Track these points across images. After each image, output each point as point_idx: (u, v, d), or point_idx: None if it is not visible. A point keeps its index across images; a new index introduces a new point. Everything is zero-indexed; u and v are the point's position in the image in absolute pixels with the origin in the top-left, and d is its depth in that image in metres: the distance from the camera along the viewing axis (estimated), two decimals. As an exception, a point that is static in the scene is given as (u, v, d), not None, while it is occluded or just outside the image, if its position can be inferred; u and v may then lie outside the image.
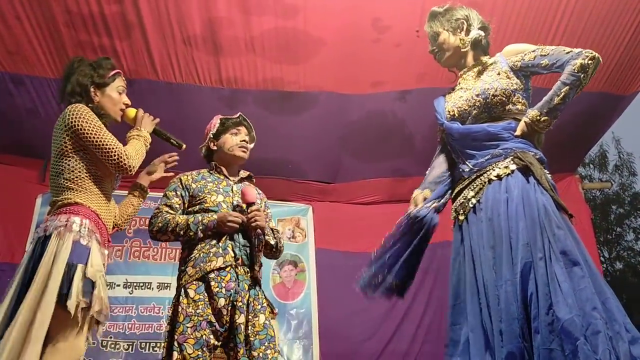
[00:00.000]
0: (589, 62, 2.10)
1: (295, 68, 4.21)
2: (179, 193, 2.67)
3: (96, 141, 2.23)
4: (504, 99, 2.21)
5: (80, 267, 2.08)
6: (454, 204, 2.32)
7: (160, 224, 2.56)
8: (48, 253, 2.06)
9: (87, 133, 2.22)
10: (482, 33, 2.41)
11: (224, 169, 2.78)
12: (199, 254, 2.50)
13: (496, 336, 1.86)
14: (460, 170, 2.30)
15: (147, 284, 4.74)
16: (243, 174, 2.86)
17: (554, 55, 2.19)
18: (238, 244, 2.54)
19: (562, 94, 2.09)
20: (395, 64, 4.21)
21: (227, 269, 2.48)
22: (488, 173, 2.15)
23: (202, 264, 2.47)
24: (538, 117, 2.11)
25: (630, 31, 4.01)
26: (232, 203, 2.65)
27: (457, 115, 2.34)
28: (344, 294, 4.99)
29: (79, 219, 2.17)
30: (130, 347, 4.48)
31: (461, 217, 2.23)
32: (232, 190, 2.70)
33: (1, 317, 1.97)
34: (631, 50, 4.15)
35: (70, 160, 2.25)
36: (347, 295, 4.97)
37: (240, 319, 2.43)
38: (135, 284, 4.69)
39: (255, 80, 4.25)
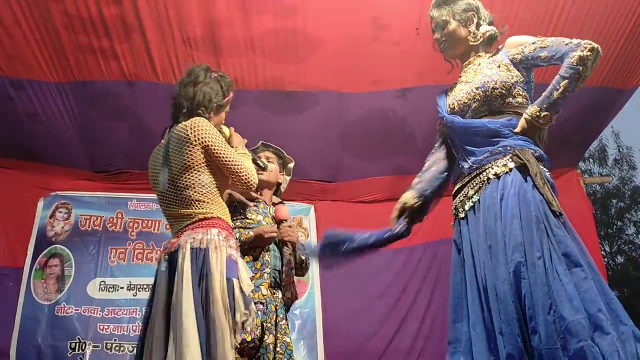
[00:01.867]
0: (588, 53, 2.03)
1: (295, 67, 4.21)
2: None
3: (228, 160, 2.30)
4: (503, 91, 2.17)
5: (235, 282, 2.15)
6: (454, 200, 2.29)
7: None
8: (215, 269, 2.12)
9: (219, 151, 2.29)
10: (494, 29, 2.36)
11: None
12: None
13: (498, 336, 1.85)
14: (460, 166, 2.28)
15: (150, 286, 4.73)
16: (275, 199, 3.14)
17: (553, 47, 2.13)
18: (270, 265, 2.77)
19: (562, 88, 2.04)
20: (395, 62, 4.21)
21: (257, 296, 2.64)
22: (487, 171, 2.11)
23: None
24: (538, 113, 2.06)
25: (630, 25, 4.01)
26: (270, 223, 2.88)
27: (457, 108, 2.31)
28: (347, 293, 5.04)
29: (227, 233, 2.26)
30: (135, 349, 4.48)
31: (461, 215, 2.20)
32: (269, 211, 2.97)
33: (191, 329, 1.99)
34: (631, 44, 4.15)
35: (200, 175, 2.29)
36: (350, 294, 5.04)
37: (270, 339, 2.61)
38: (139, 286, 4.69)
39: (255, 81, 4.25)
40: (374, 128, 4.74)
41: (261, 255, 2.77)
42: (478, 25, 2.36)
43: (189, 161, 2.27)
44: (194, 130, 2.28)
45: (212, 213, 2.27)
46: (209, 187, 2.30)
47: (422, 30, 3.94)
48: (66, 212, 4.87)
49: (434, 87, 4.38)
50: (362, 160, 5.05)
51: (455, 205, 2.27)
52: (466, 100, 2.27)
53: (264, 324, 2.62)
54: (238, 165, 2.31)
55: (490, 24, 2.39)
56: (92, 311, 4.54)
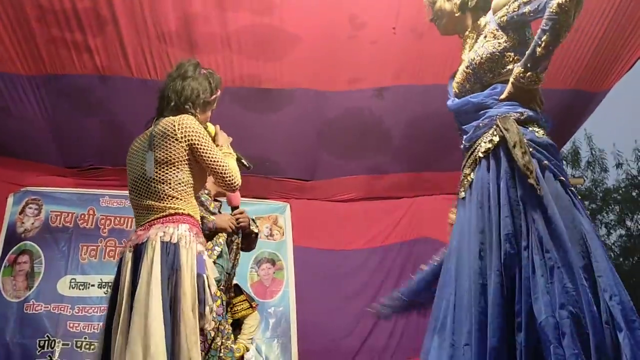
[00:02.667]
0: None
1: (271, 65, 4.19)
2: None
3: (213, 160, 2.28)
4: (491, 64, 2.08)
5: (205, 277, 2.15)
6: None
7: None
8: (185, 264, 2.11)
9: (205, 150, 2.27)
10: None
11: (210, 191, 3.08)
12: None
13: (474, 325, 1.80)
14: (461, 147, 2.21)
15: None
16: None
17: (534, 1, 1.98)
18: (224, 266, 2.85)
19: (543, 42, 1.90)
20: (371, 61, 4.21)
21: (218, 294, 2.67)
22: (477, 149, 2.04)
23: None
24: (522, 74, 1.95)
25: (603, 28, 4.07)
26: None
27: (457, 91, 2.25)
28: (322, 292, 5.03)
29: (197, 229, 2.26)
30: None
31: (461, 194, 2.12)
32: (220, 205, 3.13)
33: (157, 323, 1.97)
34: (603, 47, 4.21)
35: (179, 172, 2.27)
36: (325, 293, 5.04)
37: (219, 341, 2.66)
38: (110, 284, 4.60)
39: (231, 77, 4.20)
40: (351, 127, 4.75)
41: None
42: None
43: (171, 157, 2.25)
44: (182, 127, 2.26)
45: (183, 209, 2.25)
46: (185, 185, 2.28)
47: (399, 30, 3.98)
48: (36, 208, 4.78)
49: (411, 87, 4.45)
50: (338, 159, 5.05)
51: (459, 188, 2.20)
52: (461, 82, 2.22)
53: (219, 326, 2.63)
54: (223, 165, 2.30)
55: None
56: (62, 309, 4.46)
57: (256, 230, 3.14)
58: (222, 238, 2.89)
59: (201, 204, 2.80)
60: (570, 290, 1.70)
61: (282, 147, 4.84)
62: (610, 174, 15.00)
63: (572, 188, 1.88)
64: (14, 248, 4.62)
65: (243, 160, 2.76)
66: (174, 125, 2.27)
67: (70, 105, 4.37)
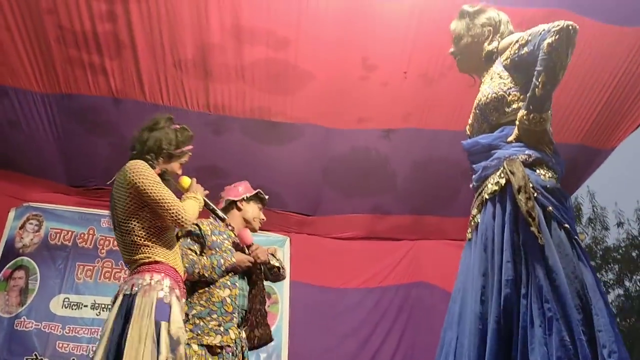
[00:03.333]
0: (555, 37, 1.89)
1: (283, 99, 4.24)
2: (198, 240, 2.90)
3: (155, 196, 2.28)
4: (496, 103, 2.09)
5: (164, 324, 2.15)
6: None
7: (186, 265, 2.69)
8: (137, 310, 2.14)
9: (147, 188, 2.27)
10: (497, 45, 2.24)
11: (234, 228, 3.07)
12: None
13: None
14: (471, 187, 2.21)
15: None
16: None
17: (531, 41, 2.00)
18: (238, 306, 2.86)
19: (540, 83, 1.91)
20: (381, 103, 4.27)
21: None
22: (484, 190, 2.03)
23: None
24: (526, 116, 1.95)
25: (611, 88, 4.13)
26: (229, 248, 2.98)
27: (469, 132, 2.29)
28: (316, 329, 4.97)
29: (160, 276, 2.26)
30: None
31: (469, 235, 2.12)
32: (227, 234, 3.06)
33: None
34: (610, 105, 4.26)
35: (138, 220, 2.30)
36: (319, 331, 4.97)
37: None
38: (103, 306, 4.57)
39: (242, 108, 4.26)
40: (356, 165, 4.77)
41: (232, 299, 2.81)
42: (491, 41, 2.26)
43: (127, 205, 2.30)
44: (128, 172, 2.31)
45: (151, 257, 2.29)
46: (148, 229, 2.31)
47: (410, 74, 4.05)
48: (37, 224, 4.77)
49: (418, 130, 4.50)
50: (342, 196, 5.06)
51: (468, 229, 2.19)
52: (471, 122, 2.25)
53: None
54: (167, 202, 2.29)
55: (487, 40, 2.29)
56: (53, 328, 4.41)
57: (277, 264, 3.13)
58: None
59: (218, 245, 2.90)
60: (568, 344, 1.66)
61: (286, 180, 4.86)
62: (611, 232, 14.92)
63: (577, 237, 1.85)
64: (11, 263, 4.59)
65: (217, 213, 2.82)
66: (124, 172, 2.33)
67: (81, 125, 4.41)
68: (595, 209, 14.94)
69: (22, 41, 3.85)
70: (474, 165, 2.15)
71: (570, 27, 1.89)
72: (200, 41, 3.83)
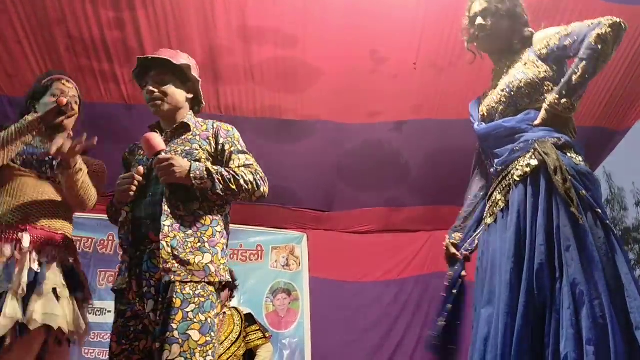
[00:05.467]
0: (607, 30, 1.88)
1: (293, 97, 4.25)
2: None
3: None
4: (529, 90, 2.06)
5: None
6: (486, 207, 2.19)
7: None
8: None
9: None
10: (532, 30, 2.21)
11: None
12: None
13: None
14: (491, 172, 2.19)
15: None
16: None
17: (575, 31, 1.98)
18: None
19: (580, 71, 1.89)
20: (391, 95, 4.26)
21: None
22: (512, 173, 1.99)
23: None
24: (557, 101, 1.93)
25: (623, 67, 4.09)
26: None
27: (486, 114, 2.22)
28: (338, 324, 4.99)
29: None
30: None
31: (488, 221, 2.10)
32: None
33: None
34: (624, 86, 4.22)
35: None
36: (341, 325, 4.99)
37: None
38: (126, 310, 4.62)
39: (253, 108, 4.28)
40: (370, 159, 4.77)
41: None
42: (524, 25, 2.21)
43: None
44: None
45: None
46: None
47: (419, 65, 4.03)
48: (56, 233, 4.83)
49: (430, 121, 4.48)
50: (356, 191, 5.06)
51: (485, 215, 2.18)
52: (493, 104, 2.19)
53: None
54: None
55: (524, 24, 2.24)
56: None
57: (218, 189, 2.11)
58: None
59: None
60: (599, 325, 1.65)
61: (300, 177, 4.88)
62: (630, 212, 14.76)
63: (609, 221, 1.84)
64: (34, 272, 4.65)
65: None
66: None
67: (95, 133, 4.42)
68: (612, 190, 14.82)
69: (33, 52, 3.89)
70: (496, 150, 2.11)
71: (623, 24, 1.91)
72: (208, 44, 3.85)
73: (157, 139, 2.14)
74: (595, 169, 5.50)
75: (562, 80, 1.95)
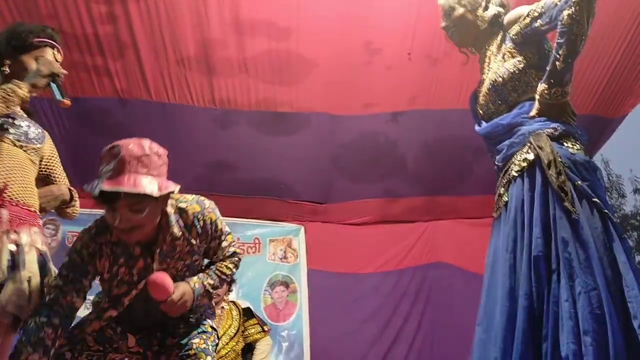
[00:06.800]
0: (576, 8, 1.83)
1: (287, 89, 4.24)
2: None
3: None
4: (514, 83, 2.06)
5: None
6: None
7: None
8: None
9: None
10: (502, 10, 2.19)
11: None
12: None
13: (500, 351, 1.78)
14: (495, 168, 2.18)
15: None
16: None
17: (546, 13, 1.96)
18: None
19: (561, 56, 1.88)
20: (387, 86, 4.25)
21: None
22: (511, 168, 2.00)
23: None
24: (547, 90, 1.92)
25: (618, 55, 4.07)
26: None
27: (482, 113, 2.23)
28: (336, 315, 5.00)
29: None
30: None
31: (495, 215, 2.10)
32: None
33: None
34: (620, 73, 4.21)
35: None
36: (339, 317, 5.00)
37: None
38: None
39: (247, 101, 4.26)
40: (366, 151, 4.76)
41: None
42: (486, 8, 2.20)
43: None
44: None
45: None
46: None
47: (414, 55, 4.02)
48: (54, 229, 4.82)
49: (425, 111, 4.47)
50: (353, 183, 5.05)
51: (494, 208, 2.17)
52: (485, 103, 2.20)
53: None
54: None
55: (501, 5, 2.21)
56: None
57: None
58: None
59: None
60: (597, 316, 1.66)
61: (296, 170, 4.87)
62: (628, 199, 14.81)
63: (608, 210, 1.83)
64: (31, 268, 4.64)
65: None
66: None
67: (90, 128, 4.43)
68: (610, 178, 14.83)
69: (26, 48, 3.86)
70: (497, 147, 2.11)
71: None
72: (201, 37, 3.83)
73: (169, 282, 1.99)
74: (592, 157, 5.48)
75: (547, 69, 1.93)
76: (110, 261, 2.02)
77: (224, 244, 2.23)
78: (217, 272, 2.20)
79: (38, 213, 2.22)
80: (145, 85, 4.10)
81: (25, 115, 2.29)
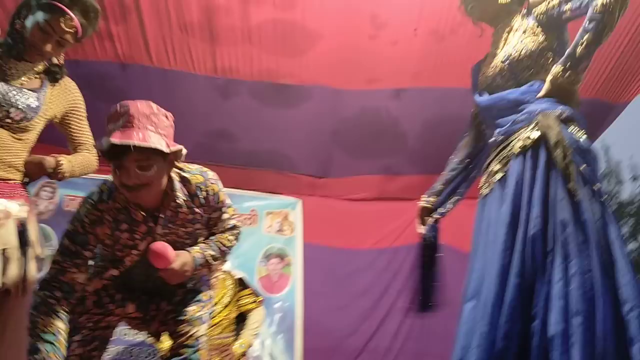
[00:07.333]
0: None
1: (291, 61, 4.19)
2: None
3: None
4: (530, 62, 2.03)
5: None
6: (482, 177, 2.19)
7: None
8: None
9: None
10: None
11: None
12: None
13: (487, 326, 1.79)
14: (490, 142, 2.16)
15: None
16: None
17: None
18: None
19: (585, 42, 1.85)
20: (391, 62, 4.20)
21: None
22: (513, 143, 1.98)
23: None
24: (561, 73, 1.90)
25: (625, 41, 4.02)
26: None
27: (486, 85, 2.19)
28: (329, 289, 5.04)
29: None
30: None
31: (485, 191, 2.09)
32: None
33: None
34: (625, 59, 4.16)
35: None
36: (333, 290, 5.04)
37: None
38: (120, 270, 4.65)
39: (250, 71, 4.22)
40: (367, 126, 4.74)
41: None
42: None
43: None
44: None
45: None
46: None
47: (420, 32, 3.97)
48: (51, 192, 4.82)
49: (429, 89, 4.44)
50: (352, 158, 5.04)
51: (481, 185, 2.17)
52: (492, 75, 2.16)
53: None
54: None
55: None
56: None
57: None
58: None
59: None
60: (588, 298, 1.67)
61: (296, 142, 4.85)
62: (626, 186, 14.84)
63: (604, 198, 1.84)
64: (27, 230, 4.66)
65: None
66: None
67: (90, 92, 4.35)
68: (609, 163, 14.86)
69: (27, 8, 3.81)
70: (498, 120, 2.09)
71: None
72: (205, 3, 3.77)
73: (171, 252, 2.02)
74: (593, 142, 5.46)
75: (567, 52, 1.91)
76: (112, 227, 2.04)
77: (225, 216, 2.25)
78: (217, 243, 2.22)
79: (20, 184, 2.24)
80: (147, 50, 4.05)
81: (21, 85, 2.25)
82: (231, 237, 2.28)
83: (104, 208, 2.03)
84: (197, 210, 2.10)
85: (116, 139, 1.81)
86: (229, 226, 2.28)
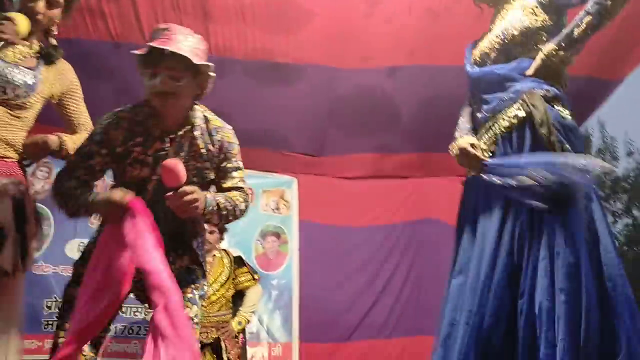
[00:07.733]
0: None
1: (285, 39, 4.17)
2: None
3: None
4: (523, 39, 2.02)
5: None
6: None
7: None
8: None
9: None
10: None
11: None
12: None
13: (477, 303, 1.83)
14: (477, 119, 2.16)
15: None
16: None
17: None
18: None
19: (584, 25, 1.86)
20: (385, 40, 4.18)
21: None
22: (499, 123, 1.98)
23: None
24: (554, 52, 1.91)
25: (620, 16, 4.00)
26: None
27: (478, 59, 2.18)
28: (325, 267, 5.08)
29: None
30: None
31: (474, 172, 2.09)
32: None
33: None
34: (619, 35, 4.14)
35: None
36: (329, 268, 5.08)
37: None
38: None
39: (244, 50, 4.19)
40: (361, 105, 4.73)
41: None
42: None
43: None
44: None
45: None
46: None
47: (414, 9, 3.95)
48: (47, 171, 4.81)
49: (424, 67, 4.43)
50: (347, 136, 5.04)
51: None
52: (486, 50, 2.15)
53: None
54: None
55: None
56: (69, 271, 4.51)
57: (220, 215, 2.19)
58: None
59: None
60: (572, 274, 1.70)
61: (291, 121, 4.84)
62: (621, 162, 14.86)
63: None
64: (24, 210, 4.66)
65: None
66: None
67: (82, 71, 4.33)
68: (605, 139, 14.85)
69: (17, -13, 3.77)
70: (485, 95, 2.09)
71: None
72: (198, -20, 3.74)
73: (183, 170, 1.96)
74: (588, 118, 5.48)
75: (563, 31, 1.92)
76: (125, 136, 2.12)
77: (235, 173, 2.26)
78: (228, 197, 2.19)
79: (16, 162, 2.23)
80: (140, 29, 4.01)
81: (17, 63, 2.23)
82: (240, 198, 2.23)
83: (123, 116, 2.15)
84: (210, 147, 2.17)
85: (155, 43, 2.00)
86: (236, 185, 2.25)
